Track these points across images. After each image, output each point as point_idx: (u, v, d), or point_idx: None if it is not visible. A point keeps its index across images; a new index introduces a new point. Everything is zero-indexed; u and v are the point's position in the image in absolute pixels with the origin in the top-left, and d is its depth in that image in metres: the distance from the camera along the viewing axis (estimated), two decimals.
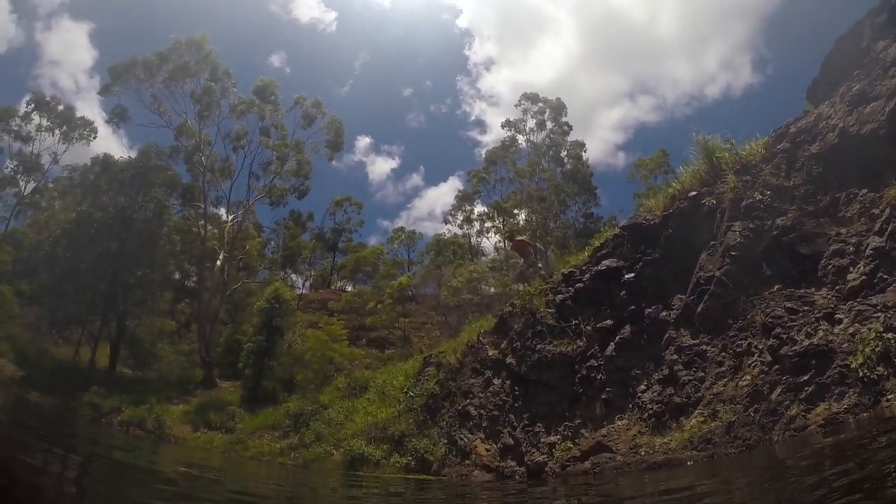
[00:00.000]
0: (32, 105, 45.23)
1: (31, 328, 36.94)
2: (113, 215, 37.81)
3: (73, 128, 45.59)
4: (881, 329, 6.64)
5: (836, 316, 7.55)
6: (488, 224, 49.07)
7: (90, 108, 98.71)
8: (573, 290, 12.63)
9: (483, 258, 41.45)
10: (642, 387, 10.12)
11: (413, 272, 47.51)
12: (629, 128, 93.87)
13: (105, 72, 41.86)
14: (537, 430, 11.74)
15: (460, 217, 50.28)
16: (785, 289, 8.44)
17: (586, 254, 13.48)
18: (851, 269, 7.76)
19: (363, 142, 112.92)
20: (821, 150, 9.12)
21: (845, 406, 6.61)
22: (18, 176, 45.35)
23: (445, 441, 14.40)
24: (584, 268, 12.81)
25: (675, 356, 9.74)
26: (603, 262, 12.19)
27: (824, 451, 5.97)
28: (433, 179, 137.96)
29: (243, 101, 42.68)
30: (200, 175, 41.91)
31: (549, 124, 48.16)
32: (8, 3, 74.20)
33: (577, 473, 9.91)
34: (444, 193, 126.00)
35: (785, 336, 7.91)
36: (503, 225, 46.15)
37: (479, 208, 50.09)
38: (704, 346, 9.37)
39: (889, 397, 6.18)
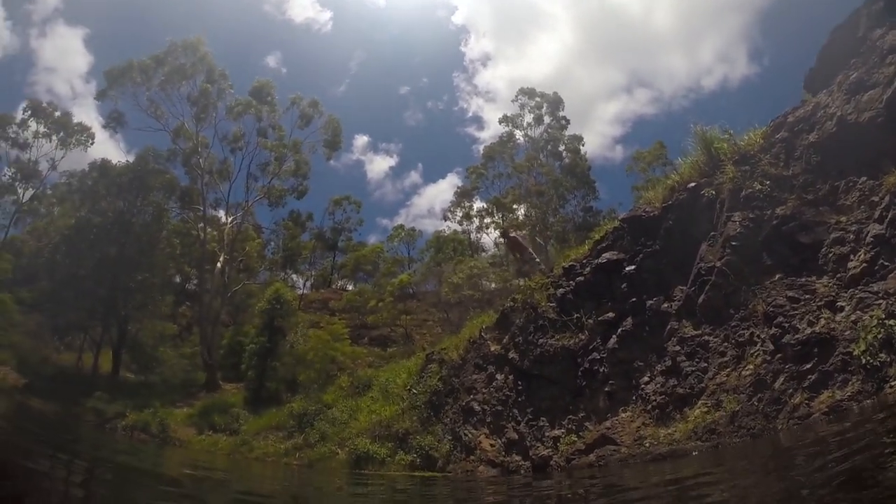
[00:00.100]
0: (29, 112, 45.13)
1: (32, 335, 36.88)
2: (112, 220, 37.79)
3: (71, 133, 45.47)
4: (883, 316, 6.65)
5: (838, 304, 7.56)
6: (488, 220, 49.04)
7: (87, 114, 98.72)
8: (574, 284, 12.64)
9: (483, 254, 41.46)
10: (645, 378, 10.13)
11: (413, 270, 47.52)
12: (627, 121, 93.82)
13: (101, 76, 41.96)
14: (541, 424, 11.76)
15: (459, 213, 50.24)
16: (786, 278, 8.44)
17: (586, 247, 13.49)
18: (852, 256, 7.77)
19: (361, 140, 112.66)
20: (819, 139, 9.12)
21: (849, 393, 6.62)
22: (16, 183, 45.25)
23: (450, 437, 14.42)
24: (584, 261, 12.82)
25: (678, 347, 9.75)
26: (603, 255, 12.20)
27: (828, 438, 5.98)
28: (432, 176, 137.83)
29: (240, 102, 42.69)
30: (199, 177, 41.91)
31: (546, 119, 48.18)
32: (2, 9, 73.98)
33: (583, 466, 9.93)
34: (442, 190, 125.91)
35: (787, 325, 7.92)
36: (502, 220, 46.11)
37: (478, 204, 50.07)
38: (706, 337, 9.38)
39: (892, 384, 6.19)
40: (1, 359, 32.25)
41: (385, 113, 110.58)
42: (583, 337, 11.73)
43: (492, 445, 12.83)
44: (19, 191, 45.59)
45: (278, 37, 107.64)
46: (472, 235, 51.43)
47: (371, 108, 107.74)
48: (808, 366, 7.27)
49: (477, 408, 13.88)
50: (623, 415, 10.16)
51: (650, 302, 10.69)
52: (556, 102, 48.28)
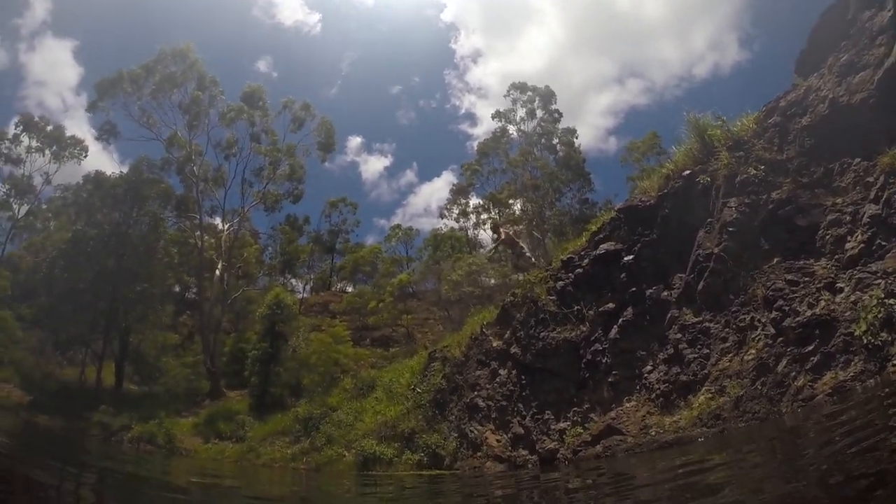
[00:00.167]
0: (21, 127, 45.00)
1: (34, 352, 36.88)
2: (108, 232, 37.74)
3: (64, 147, 45.34)
4: (882, 295, 6.67)
5: (837, 285, 7.58)
6: (484, 216, 49.06)
7: (79, 126, 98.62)
8: (573, 276, 12.66)
9: (481, 250, 41.48)
10: (648, 367, 10.16)
11: (412, 269, 47.53)
12: (619, 112, 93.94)
13: (91, 88, 41.99)
14: (546, 417, 11.79)
15: (456, 211, 50.27)
16: (784, 261, 8.47)
17: (584, 239, 13.50)
18: (849, 237, 7.79)
19: (354, 142, 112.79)
20: (812, 122, 9.14)
21: (851, 374, 6.65)
22: (11, 199, 45.12)
23: (456, 435, 14.45)
24: (582, 253, 12.84)
25: (679, 335, 9.78)
26: (601, 247, 12.22)
27: (832, 417, 6.02)
28: (427, 175, 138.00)
29: (232, 108, 42.58)
30: (194, 185, 41.81)
31: (539, 113, 48.13)
32: None
33: (590, 458, 9.97)
34: (438, 188, 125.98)
35: (787, 308, 7.94)
36: (499, 216, 46.08)
37: (474, 201, 50.09)
38: (707, 324, 9.41)
39: (894, 362, 6.22)
40: (4, 376, 32.28)
41: (378, 113, 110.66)
42: (584, 329, 11.76)
43: (498, 441, 12.85)
44: (14, 207, 45.52)
45: (268, 41, 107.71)
46: (470, 232, 51.50)
47: (363, 109, 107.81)
48: (810, 348, 7.30)
49: (481, 404, 13.90)
50: (628, 404, 10.19)
51: (650, 291, 10.71)
52: (548, 96, 48.25)
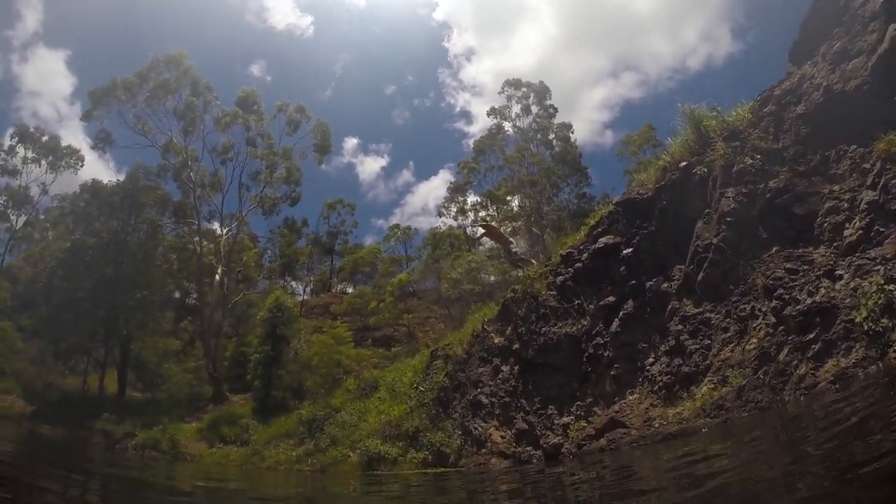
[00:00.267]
0: (16, 138, 44.86)
1: (35, 362, 36.80)
2: (106, 240, 37.67)
3: (60, 157, 45.22)
4: (882, 281, 6.69)
5: (836, 272, 7.60)
6: (483, 213, 48.98)
7: (74, 136, 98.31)
8: (573, 271, 12.68)
9: (480, 247, 41.42)
10: (650, 360, 10.18)
11: (412, 268, 47.51)
12: (614, 106, 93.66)
13: (85, 97, 41.64)
14: (550, 412, 11.81)
15: (454, 209, 50.17)
16: (783, 250, 8.48)
17: (582, 233, 13.52)
18: (847, 224, 7.80)
19: (350, 143, 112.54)
20: (807, 110, 9.15)
21: (853, 360, 6.66)
22: (9, 210, 45.03)
23: (460, 432, 14.46)
24: (581, 247, 12.85)
25: (680, 326, 9.79)
26: (600, 240, 12.23)
27: (834, 405, 6.04)
28: (424, 174, 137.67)
29: (227, 113, 42.51)
30: (191, 191, 41.73)
31: (534, 108, 48.06)
32: None
33: (594, 451, 9.98)
34: (435, 187, 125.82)
35: (787, 297, 7.96)
36: (497, 213, 46.07)
37: (471, 198, 49.99)
38: (708, 314, 9.42)
39: None
40: (6, 387, 32.25)
41: (373, 114, 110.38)
42: (585, 323, 11.78)
43: (502, 437, 12.87)
44: (12, 218, 45.42)
45: (261, 45, 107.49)
46: (468, 230, 51.33)
47: (358, 110, 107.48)
48: (811, 336, 7.31)
49: (485, 401, 13.91)
50: (630, 397, 10.21)
51: (650, 283, 10.73)
52: (542, 92, 48.20)
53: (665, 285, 10.47)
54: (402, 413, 17.42)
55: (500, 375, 13.73)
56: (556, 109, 48.38)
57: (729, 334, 8.90)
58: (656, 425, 9.12)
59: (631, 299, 10.98)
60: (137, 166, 40.85)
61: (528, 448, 12.06)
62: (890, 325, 6.36)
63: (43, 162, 45.03)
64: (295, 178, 44.58)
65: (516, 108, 48.25)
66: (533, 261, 19.46)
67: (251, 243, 51.42)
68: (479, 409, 14.02)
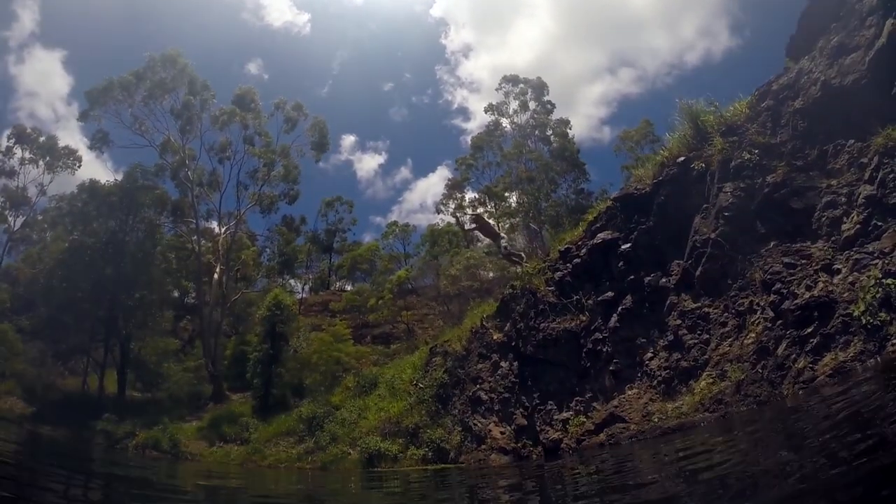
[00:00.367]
0: (14, 139, 44.72)
1: (35, 363, 36.70)
2: (105, 241, 37.56)
3: (57, 157, 45.09)
4: (880, 275, 6.71)
5: (834, 266, 7.62)
6: (481, 209, 48.96)
7: (71, 136, 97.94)
8: (571, 266, 12.70)
9: (479, 244, 41.40)
10: (649, 355, 10.21)
11: (410, 265, 47.43)
12: (612, 101, 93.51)
13: (82, 97, 41.45)
14: (549, 408, 11.84)
15: (452, 205, 50.14)
16: (781, 244, 8.50)
17: (581, 229, 13.54)
18: (845, 219, 7.83)
19: (348, 140, 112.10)
20: (804, 105, 9.16)
21: (851, 354, 6.69)
22: (6, 211, 44.91)
23: (460, 428, 14.50)
24: (579, 243, 12.87)
25: (679, 321, 9.82)
26: (598, 236, 12.25)
27: (832, 398, 6.07)
28: (422, 171, 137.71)
29: (224, 111, 42.36)
30: (189, 190, 41.64)
31: (531, 105, 48.03)
32: None
33: (593, 446, 10.02)
34: (433, 184, 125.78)
35: (785, 291, 7.98)
36: (496, 209, 46.07)
37: (469, 195, 49.94)
38: (706, 309, 9.45)
39: (894, 342, 6.26)
40: (6, 388, 32.22)
41: (370, 111, 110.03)
42: (584, 318, 11.80)
43: (502, 433, 12.90)
44: (10, 219, 45.31)
45: (258, 43, 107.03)
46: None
47: (356, 108, 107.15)
48: (810, 330, 7.34)
49: (484, 397, 13.94)
50: (630, 392, 10.24)
51: (648, 278, 10.75)
52: (540, 88, 48.16)
53: (663, 280, 10.49)
54: (402, 410, 17.46)
55: (499, 371, 13.76)
56: (553, 105, 48.40)
57: (727, 329, 8.93)
58: (655, 420, 9.15)
59: (629, 294, 11.00)
60: (135, 166, 40.64)
61: (527, 443, 12.10)
62: (888, 318, 6.39)
63: (40, 162, 44.94)
64: (293, 175, 44.51)
65: (514, 105, 48.25)
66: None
67: (249, 242, 51.34)
68: (479, 406, 14.05)
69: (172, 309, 45.54)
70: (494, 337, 14.32)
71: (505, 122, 48.41)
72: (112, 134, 41.57)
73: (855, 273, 7.24)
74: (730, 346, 8.72)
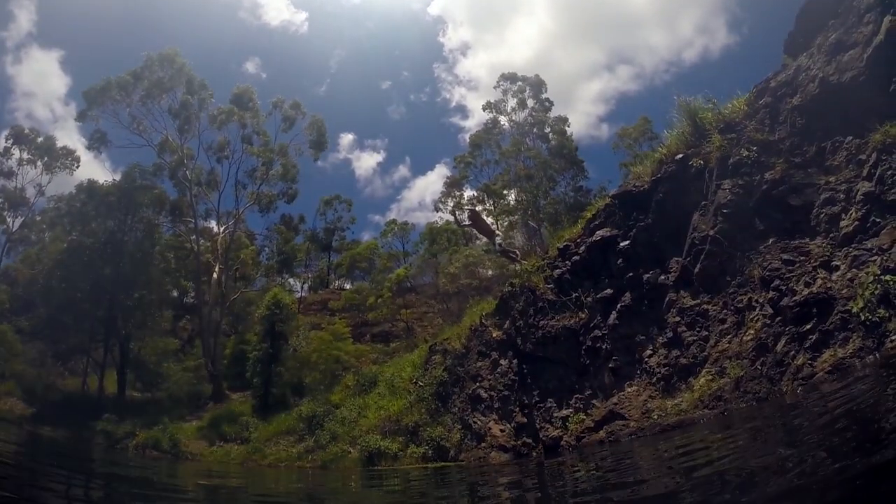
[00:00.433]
0: (11, 139, 44.66)
1: (35, 364, 36.69)
2: (104, 241, 37.54)
3: (55, 158, 45.04)
4: (878, 272, 6.72)
5: (833, 263, 7.63)
6: (479, 207, 48.95)
7: (69, 136, 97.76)
8: (570, 264, 12.71)
9: (477, 242, 41.39)
10: (648, 352, 10.22)
11: (409, 263, 47.44)
12: (610, 99, 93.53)
13: (80, 97, 41.45)
14: (549, 405, 11.86)
15: (451, 203, 50.11)
16: (779, 241, 8.51)
17: (579, 226, 13.55)
18: (843, 215, 7.83)
19: (346, 139, 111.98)
20: (803, 102, 9.17)
21: (850, 350, 6.70)
22: (5, 212, 44.83)
23: (459, 426, 14.52)
24: (578, 240, 12.88)
25: (678, 318, 9.83)
26: (597, 233, 12.26)
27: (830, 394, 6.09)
28: (420, 169, 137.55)
29: (222, 110, 42.31)
30: (187, 190, 41.61)
31: (529, 102, 48.01)
32: None
33: (593, 444, 10.04)
34: (432, 182, 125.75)
35: (784, 288, 7.99)
36: (494, 207, 46.07)
37: (468, 193, 49.93)
38: (705, 306, 9.46)
39: (893, 338, 6.27)
40: (6, 389, 32.20)
41: (368, 109, 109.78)
42: (583, 315, 11.81)
43: (502, 431, 12.92)
44: (8, 220, 45.24)
45: (255, 42, 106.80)
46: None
47: (354, 106, 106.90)
48: (808, 326, 7.35)
49: (484, 395, 13.96)
50: (629, 389, 10.26)
51: (647, 275, 10.76)
52: (538, 85, 48.14)
53: (662, 277, 10.50)
54: (402, 408, 17.48)
55: (498, 369, 13.77)
56: (551, 103, 48.36)
57: (726, 326, 8.94)
58: (655, 417, 9.16)
59: (628, 292, 11.01)
60: (133, 166, 40.57)
61: (527, 441, 12.12)
62: (886, 315, 6.40)
63: (38, 163, 44.87)
64: (291, 174, 44.47)
65: (512, 103, 48.23)
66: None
67: (248, 241, 51.33)
68: (479, 403, 14.07)
69: (172, 308, 45.55)
70: (494, 335, 14.34)
71: (503, 119, 48.41)
72: (110, 134, 41.53)
73: (853, 270, 7.25)
74: (729, 342, 8.73)
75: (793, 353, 7.41)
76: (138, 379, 38.90)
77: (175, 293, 47.05)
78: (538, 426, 11.91)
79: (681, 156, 10.93)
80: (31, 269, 43.56)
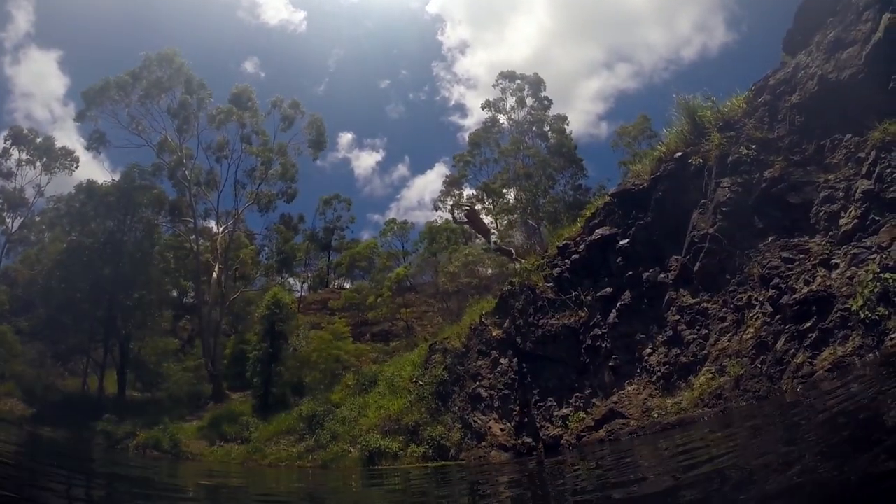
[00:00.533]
0: (10, 140, 44.67)
1: (35, 364, 36.69)
2: (103, 241, 37.52)
3: (55, 158, 45.05)
4: (878, 270, 6.72)
5: (832, 261, 7.63)
6: (479, 206, 48.96)
7: (68, 137, 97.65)
8: (570, 262, 12.71)
9: (477, 241, 41.43)
10: (648, 350, 10.22)
11: (409, 262, 47.43)
12: (609, 97, 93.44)
13: (79, 98, 41.33)
14: (549, 404, 11.86)
15: (450, 202, 50.11)
16: (779, 239, 8.51)
17: (579, 225, 13.55)
18: (843, 213, 7.83)
19: (345, 138, 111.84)
20: (802, 100, 9.16)
21: (850, 349, 6.70)
22: (4, 213, 44.82)
23: (460, 425, 14.52)
24: (578, 239, 12.88)
25: (678, 317, 9.83)
26: (596, 232, 12.25)
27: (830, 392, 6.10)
28: (419, 168, 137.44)
29: (221, 110, 42.28)
30: (186, 189, 41.60)
31: (528, 101, 48.00)
32: None
33: (593, 442, 10.05)
34: (431, 181, 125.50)
35: (783, 286, 7.99)
36: (494, 205, 46.09)
37: (468, 192, 49.95)
38: (705, 304, 9.46)
39: (892, 336, 6.27)
40: (6, 390, 32.20)
41: (367, 108, 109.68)
42: (583, 314, 11.82)
43: (502, 430, 12.93)
44: (8, 220, 45.24)
45: (254, 41, 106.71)
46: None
47: (353, 105, 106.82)
48: (808, 324, 7.35)
49: (484, 394, 13.96)
50: (629, 388, 10.26)
51: (646, 274, 10.76)
52: (537, 84, 48.12)
53: (662, 276, 10.50)
54: (402, 407, 17.48)
55: (498, 368, 13.78)
56: (550, 101, 48.35)
57: (726, 324, 8.94)
58: (655, 415, 9.17)
59: (628, 290, 11.01)
60: (132, 166, 40.51)
61: (527, 440, 12.12)
62: (886, 313, 6.40)
63: (38, 164, 44.88)
64: (290, 174, 44.47)
65: (511, 101, 48.22)
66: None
67: (248, 240, 51.35)
68: (479, 402, 14.07)
69: (171, 308, 45.56)
70: (494, 334, 14.34)
71: (502, 118, 48.42)
72: (109, 134, 41.49)
73: (853, 268, 7.25)
74: (728, 341, 8.73)
75: (792, 351, 7.41)
76: (138, 379, 38.90)
77: (175, 293, 47.07)
78: (538, 425, 11.92)
79: (680, 154, 10.93)
80: (31, 269, 43.55)
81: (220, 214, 44.42)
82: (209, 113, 42.28)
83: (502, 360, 13.74)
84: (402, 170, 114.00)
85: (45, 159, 44.94)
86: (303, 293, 57.56)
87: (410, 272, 41.53)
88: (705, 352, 9.11)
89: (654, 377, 9.88)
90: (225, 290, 41.31)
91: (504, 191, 46.49)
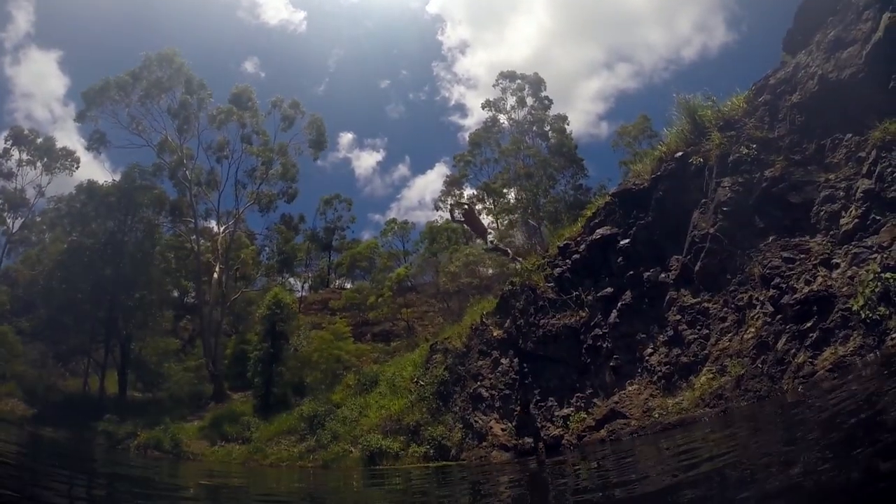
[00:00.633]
0: (11, 140, 44.70)
1: (36, 364, 36.76)
2: (104, 241, 37.57)
3: (55, 159, 45.08)
4: (878, 269, 6.72)
5: (833, 261, 7.63)
6: (479, 206, 48.95)
7: (69, 137, 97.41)
8: (570, 262, 12.71)
9: (477, 241, 41.44)
10: (649, 350, 10.22)
11: (409, 262, 47.43)
12: (609, 97, 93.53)
13: (79, 98, 41.37)
14: (550, 404, 11.86)
15: (450, 202, 50.10)
16: (780, 239, 8.51)
17: (579, 225, 13.55)
18: (843, 213, 7.83)
19: (346, 138, 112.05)
20: (802, 99, 9.16)
21: (851, 349, 6.70)
22: (5, 213, 44.84)
23: (461, 426, 14.52)
24: (578, 239, 12.88)
25: (679, 316, 9.83)
26: (597, 231, 12.25)
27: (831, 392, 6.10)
28: (420, 168, 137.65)
29: (221, 110, 42.30)
30: (187, 190, 41.63)
31: (529, 100, 48.01)
32: None
33: (594, 442, 10.05)
34: (431, 181, 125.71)
35: (784, 285, 7.99)
36: (494, 205, 46.09)
37: (468, 191, 49.95)
38: (706, 304, 9.46)
39: (893, 336, 6.27)
40: (7, 390, 32.23)
41: (367, 108, 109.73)
42: (583, 314, 11.81)
43: (503, 430, 12.93)
44: (8, 221, 45.26)
45: (254, 41, 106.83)
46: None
47: (353, 105, 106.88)
48: (809, 324, 7.35)
49: (485, 394, 13.97)
50: (630, 388, 10.26)
51: (647, 273, 10.76)
52: (537, 83, 48.12)
53: (663, 275, 10.50)
54: (403, 407, 17.48)
55: (499, 368, 13.78)
56: (551, 101, 48.36)
57: (727, 324, 8.94)
58: (656, 415, 9.17)
59: (629, 290, 11.01)
60: (133, 166, 40.54)
61: (528, 440, 12.12)
62: (887, 313, 6.40)
63: (38, 164, 44.92)
64: (291, 174, 44.49)
65: (511, 101, 48.25)
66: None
67: (248, 240, 51.37)
68: (480, 402, 14.07)
69: (172, 309, 45.62)
70: (494, 333, 14.34)
71: (502, 118, 48.45)
72: (109, 134, 41.58)
73: (854, 267, 7.25)
74: (729, 341, 8.73)
75: (793, 351, 7.41)
76: (139, 379, 38.97)
77: (175, 293, 47.12)
78: (539, 425, 11.92)
79: (680, 154, 10.93)
80: (32, 270, 43.58)
81: (221, 214, 44.45)
82: (209, 113, 42.35)
83: (503, 360, 13.74)
84: (402, 170, 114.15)
85: (45, 160, 44.98)
86: (303, 293, 57.55)
87: (411, 272, 41.52)
88: (706, 352, 9.11)
89: (655, 377, 9.88)
90: (226, 291, 41.34)
91: (504, 191, 46.51)
